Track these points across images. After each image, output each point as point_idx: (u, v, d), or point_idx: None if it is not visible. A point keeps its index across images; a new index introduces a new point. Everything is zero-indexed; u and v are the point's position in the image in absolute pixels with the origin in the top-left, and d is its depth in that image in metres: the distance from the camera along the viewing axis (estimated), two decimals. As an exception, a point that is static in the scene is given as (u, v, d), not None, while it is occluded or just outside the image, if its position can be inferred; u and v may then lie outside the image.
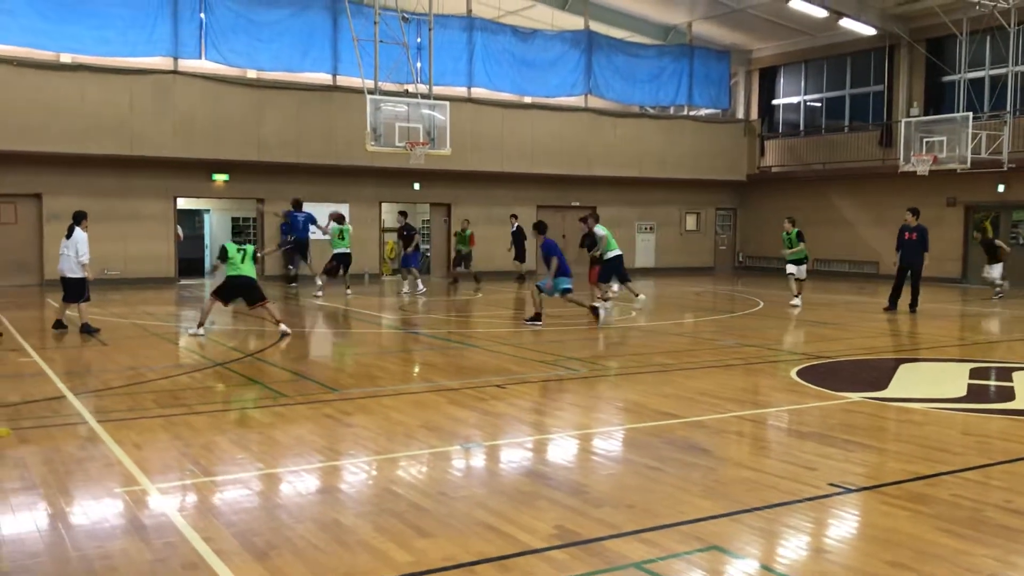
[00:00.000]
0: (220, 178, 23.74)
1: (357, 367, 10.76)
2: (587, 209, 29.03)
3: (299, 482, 5.86)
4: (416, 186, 26.09)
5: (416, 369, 10.72)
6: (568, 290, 14.44)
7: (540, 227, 15.15)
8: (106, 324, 14.07)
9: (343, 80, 24.03)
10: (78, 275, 12.97)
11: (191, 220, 26.47)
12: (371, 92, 20.80)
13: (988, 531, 4.83)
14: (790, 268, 18.44)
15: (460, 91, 25.80)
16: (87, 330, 12.80)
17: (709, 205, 31.53)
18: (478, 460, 6.50)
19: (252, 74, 23.79)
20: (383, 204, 26.45)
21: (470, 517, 5.07)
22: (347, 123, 22.96)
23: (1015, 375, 9.94)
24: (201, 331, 12.90)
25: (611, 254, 16.97)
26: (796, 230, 18.28)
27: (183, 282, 23.83)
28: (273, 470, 6.04)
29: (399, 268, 21.18)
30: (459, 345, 12.46)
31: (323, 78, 24.26)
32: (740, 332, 14.04)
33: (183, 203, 24.63)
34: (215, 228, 27.65)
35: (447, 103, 21.80)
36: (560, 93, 27.87)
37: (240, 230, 27.42)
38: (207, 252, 27.29)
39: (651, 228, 30.54)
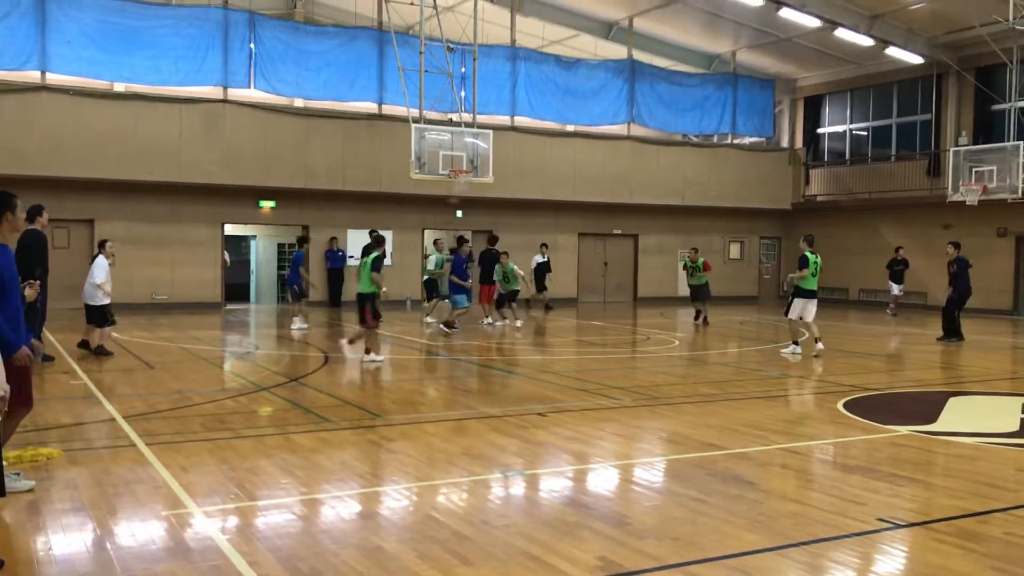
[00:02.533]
0: (267, 205, 24.12)
1: (400, 393, 10.81)
2: (629, 237, 29.10)
3: (342, 507, 5.89)
4: (459, 213, 26.25)
5: (458, 396, 10.73)
6: (462, 307, 17.16)
7: (460, 241, 18.43)
8: (154, 348, 14.31)
9: (388, 109, 24.36)
10: (97, 301, 13.18)
11: (237, 246, 26.87)
12: (416, 121, 21.04)
13: (1044, 571, 4.70)
14: (803, 308, 14.76)
15: (503, 119, 26.00)
16: (100, 352, 13.03)
17: (753, 234, 31.30)
18: (520, 489, 6.48)
19: (299, 103, 24.21)
20: (426, 231, 26.66)
21: (512, 546, 5.05)
22: (392, 151, 23.22)
23: (1070, 410, 9.69)
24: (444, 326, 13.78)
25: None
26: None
27: (229, 307, 24.17)
28: (317, 495, 6.08)
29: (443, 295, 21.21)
30: (500, 372, 12.46)
31: (369, 107, 24.61)
32: (785, 363, 13.87)
33: (230, 229, 25.04)
34: (261, 254, 28.02)
35: (490, 131, 21.97)
36: (603, 121, 27.94)
37: (287, 257, 27.73)
38: (253, 277, 27.66)
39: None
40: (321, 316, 21.82)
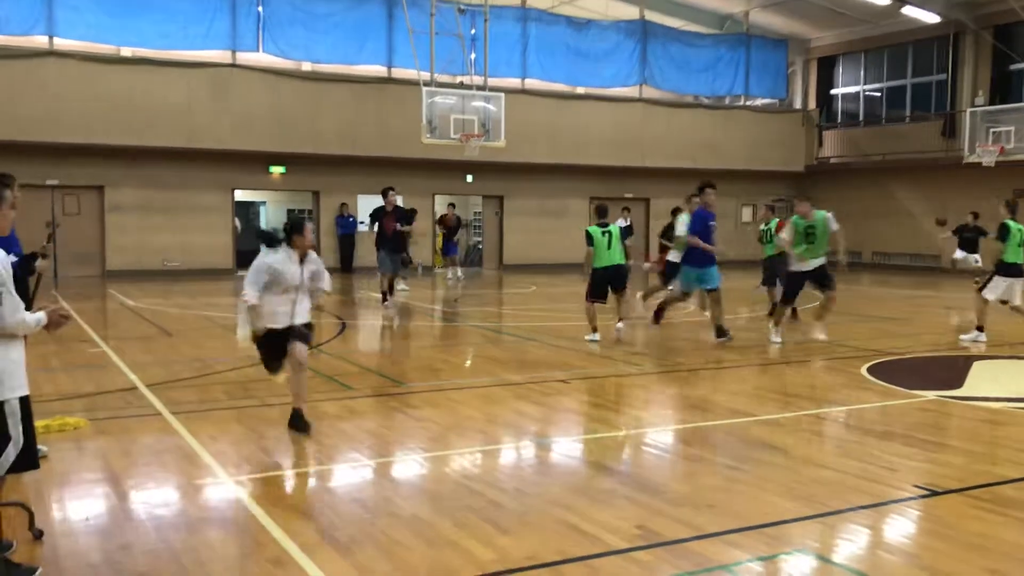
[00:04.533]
0: (277, 170, 23.98)
1: (420, 360, 10.77)
2: (640, 201, 28.90)
3: (373, 476, 5.87)
4: (469, 178, 26.08)
5: (479, 363, 10.69)
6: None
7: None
8: (170, 315, 14.29)
9: (398, 72, 24.10)
10: None
11: (244, 212, 26.72)
12: (426, 84, 20.83)
13: (1089, 539, 4.66)
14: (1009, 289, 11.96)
15: (514, 82, 25.71)
16: None
17: (766, 196, 30.99)
18: (551, 456, 6.45)
19: (307, 67, 23.97)
20: (436, 196, 26.52)
21: (548, 515, 5.02)
22: (402, 115, 22.99)
23: (1096, 374, 9.62)
24: (597, 336, 11.64)
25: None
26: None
27: (241, 273, 24.10)
28: (346, 464, 6.06)
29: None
30: (517, 339, 12.41)
31: (378, 70, 24.35)
32: (804, 327, 13.79)
33: (240, 195, 24.93)
34: (271, 219, 27.90)
35: (502, 95, 21.74)
36: (615, 84, 27.63)
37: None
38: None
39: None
40: (332, 282, 21.74)
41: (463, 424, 7.22)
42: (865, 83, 29.81)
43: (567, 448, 6.66)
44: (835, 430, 7.40)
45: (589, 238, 11.54)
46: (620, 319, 11.80)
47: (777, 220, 16.35)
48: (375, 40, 24.12)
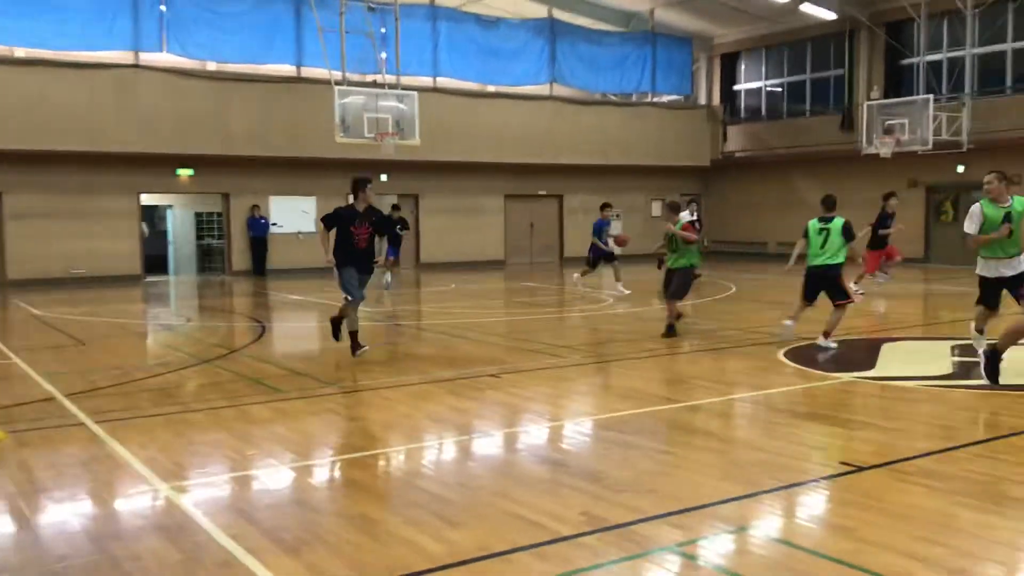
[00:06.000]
0: (185, 173, 23.39)
1: (347, 360, 10.67)
2: (554, 197, 29.19)
3: (315, 477, 5.83)
4: (384, 177, 25.90)
5: (409, 361, 10.67)
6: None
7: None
8: (80, 324, 13.82)
9: (308, 72, 23.77)
10: None
11: (149, 216, 25.96)
12: (338, 83, 20.63)
13: (1006, 504, 4.95)
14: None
15: (426, 81, 25.66)
16: None
17: (674, 191, 31.65)
18: (491, 450, 6.51)
19: (213, 66, 23.44)
20: (350, 196, 26.25)
21: (495, 506, 5.07)
22: (313, 115, 22.70)
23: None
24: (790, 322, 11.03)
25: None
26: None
27: (149, 279, 23.46)
28: (286, 465, 5.99)
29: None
30: (444, 336, 12.42)
31: (288, 70, 23.98)
32: (719, 316, 14.19)
33: (147, 199, 24.23)
34: (178, 224, 27.19)
35: (415, 93, 21.68)
36: (525, 82, 27.84)
37: (205, 226, 26.99)
38: (171, 248, 26.84)
39: (618, 215, 30.64)
40: (245, 286, 21.38)
41: (400, 422, 7.22)
42: (767, 79, 30.73)
43: (506, 441, 6.72)
44: (760, 413, 7.65)
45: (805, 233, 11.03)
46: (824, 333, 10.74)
47: (684, 220, 16.83)
48: (283, 39, 23.73)
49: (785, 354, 10.12)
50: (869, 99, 25.97)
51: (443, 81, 26.23)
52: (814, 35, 28.35)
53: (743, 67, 31.43)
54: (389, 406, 7.75)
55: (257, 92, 23.19)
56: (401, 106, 21.27)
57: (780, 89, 30.44)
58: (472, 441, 6.66)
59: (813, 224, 11.04)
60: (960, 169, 24.57)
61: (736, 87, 31.55)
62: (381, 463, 6.10)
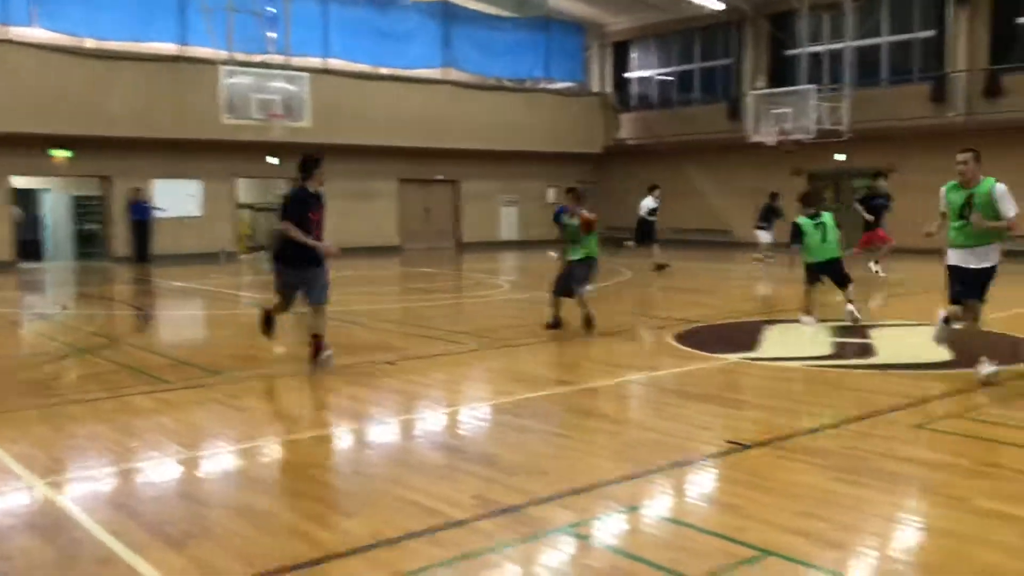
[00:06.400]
0: (60, 154, 22.29)
1: (236, 349, 10.39)
2: (450, 183, 29.07)
3: (201, 469, 5.64)
4: (273, 160, 25.29)
5: (302, 349, 10.45)
6: None
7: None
8: (-54, 313, 13.05)
9: (193, 51, 22.95)
10: None
11: (22, 200, 24.65)
12: (224, 63, 20.01)
13: (879, 477, 5.17)
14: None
15: (317, 62, 25.15)
16: None
17: (569, 177, 31.93)
18: (385, 437, 6.44)
19: (91, 43, 22.37)
20: (238, 179, 25.59)
21: (388, 493, 5.02)
22: (199, 95, 21.92)
23: (871, 332, 10.64)
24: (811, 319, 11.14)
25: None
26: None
27: (23, 265, 22.32)
28: (170, 457, 5.78)
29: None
30: (338, 323, 12.21)
31: (171, 48, 23.11)
32: (615, 300, 14.40)
33: (21, 182, 23.02)
34: (54, 208, 25.93)
35: (305, 74, 21.24)
36: (419, 65, 27.62)
37: (83, 211, 25.80)
38: (47, 233, 25.59)
39: (514, 201, 30.81)
40: (127, 273, 20.57)
41: (291, 410, 7.07)
42: (657, 68, 31.30)
43: (401, 428, 6.66)
44: (651, 394, 7.80)
45: (797, 232, 11.24)
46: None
47: (648, 207, 18.02)
48: (164, 16, 22.86)
49: (676, 337, 10.34)
50: (755, 89, 26.74)
51: (335, 63, 25.77)
52: (703, 25, 29.00)
53: (634, 55, 31.92)
54: (280, 395, 7.58)
55: (139, 71, 22.27)
56: (291, 87, 20.80)
57: (670, 78, 31.05)
58: (366, 429, 6.57)
59: (806, 222, 11.18)
60: (840, 157, 25.58)
61: (628, 75, 32.03)
62: (271, 453, 5.95)
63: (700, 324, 11.48)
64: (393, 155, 27.20)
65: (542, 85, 30.83)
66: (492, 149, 28.79)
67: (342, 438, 6.38)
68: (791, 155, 25.58)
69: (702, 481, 5.32)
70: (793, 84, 25.45)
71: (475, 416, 7.01)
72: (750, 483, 5.18)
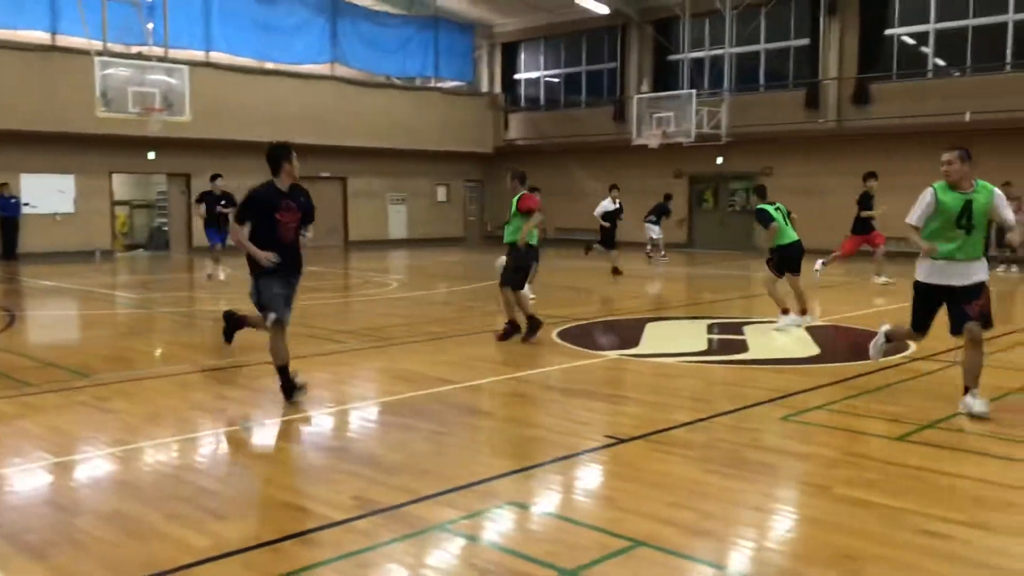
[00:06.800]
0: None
1: (108, 350, 10.01)
2: (338, 180, 28.69)
3: (67, 475, 5.42)
4: (151, 155, 24.44)
5: (176, 350, 10.14)
6: None
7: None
8: None
9: (66, 40, 21.97)
10: None
11: None
12: (99, 54, 19.23)
13: (747, 468, 5.39)
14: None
15: (198, 55, 24.43)
16: None
17: (458, 177, 32.09)
18: (263, 438, 6.32)
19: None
20: (114, 174, 24.62)
21: (264, 496, 4.94)
22: (72, 87, 21.03)
23: (745, 329, 11.04)
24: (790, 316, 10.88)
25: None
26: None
27: None
28: (34, 464, 5.53)
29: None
30: (216, 323, 11.90)
31: (42, 37, 22.06)
32: (500, 299, 14.48)
33: None
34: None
35: (185, 67, 20.60)
36: (305, 60, 27.18)
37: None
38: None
39: (402, 200, 30.63)
40: (-4, 271, 19.54)
41: (163, 413, 6.85)
42: (545, 69, 31.66)
43: (279, 429, 6.55)
44: (533, 391, 7.90)
45: (765, 216, 10.82)
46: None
47: (605, 208, 17.72)
48: (35, 3, 21.84)
49: (559, 334, 10.49)
50: (639, 92, 27.36)
51: (217, 56, 25.08)
52: (589, 28, 29.49)
53: (523, 57, 32.21)
54: (151, 397, 7.33)
55: (8, 61, 21.17)
56: (170, 80, 20.16)
57: (558, 80, 31.45)
58: (242, 431, 6.44)
59: (768, 206, 10.85)
60: (719, 160, 26.44)
61: (517, 76, 32.30)
62: (141, 457, 5.76)
63: (585, 322, 11.68)
64: (278, 151, 26.59)
65: (431, 84, 30.77)
66: (380, 147, 28.58)
67: (217, 440, 6.23)
68: (673, 158, 26.30)
69: (580, 475, 5.42)
70: (676, 88, 26.18)
71: (357, 416, 6.95)
72: (626, 476, 5.32)
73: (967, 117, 21.58)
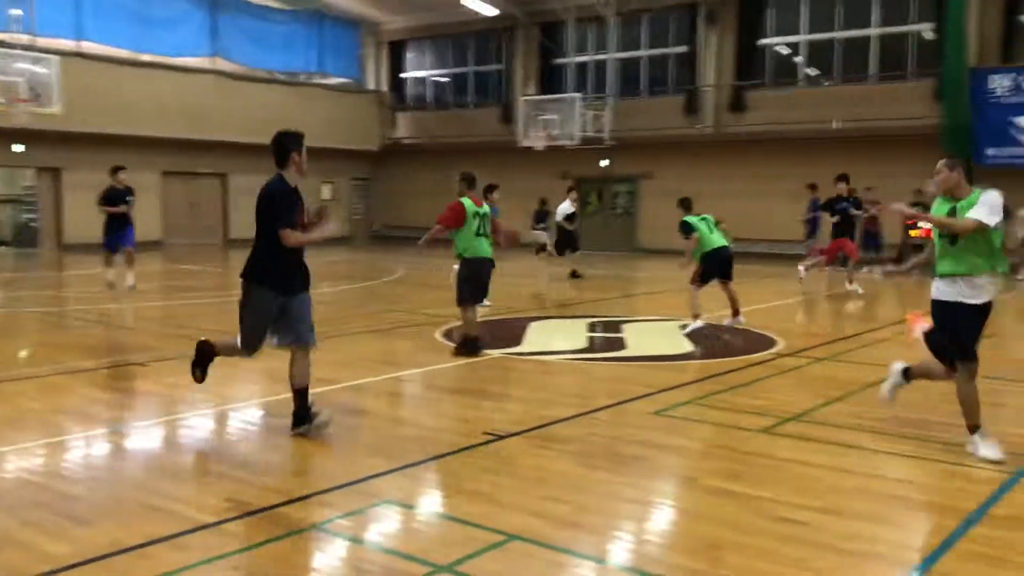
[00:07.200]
0: None
1: (-36, 352, 9.50)
2: (217, 176, 27.94)
3: (-86, 483, 5.13)
4: (18, 147, 23.24)
5: (40, 351, 9.70)
6: None
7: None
8: None
9: (-80, 23, 20.67)
10: None
11: None
12: (-41, 39, 18.20)
13: (621, 462, 5.54)
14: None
15: (69, 44, 23.35)
16: None
17: (344, 175, 31.69)
18: (130, 442, 6.12)
19: None
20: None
21: (131, 500, 4.79)
22: (-73, 74, 19.79)
23: (623, 327, 11.32)
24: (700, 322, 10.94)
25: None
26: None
27: None
28: None
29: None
30: (85, 323, 11.45)
31: None
32: (385, 298, 14.44)
33: None
34: None
35: (55, 57, 19.69)
36: (184, 53, 26.33)
37: None
38: None
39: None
40: None
41: (23, 417, 6.55)
42: (432, 69, 31.61)
43: (148, 432, 6.35)
44: (414, 390, 7.91)
45: (687, 228, 11.10)
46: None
47: (565, 212, 17.46)
48: None
49: (443, 334, 10.52)
50: (525, 94, 27.62)
51: (89, 46, 24.04)
52: (477, 29, 29.57)
53: (410, 55, 32.07)
54: (11, 400, 7.00)
55: None
56: (37, 69, 19.23)
57: (445, 79, 31.44)
58: (110, 434, 6.21)
59: (691, 218, 11.14)
60: (603, 163, 26.94)
61: (403, 75, 32.12)
62: (1, 463, 5.50)
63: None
64: (156, 146, 25.71)
65: (316, 80, 30.30)
66: (263, 143, 27.66)
67: (84, 444, 6.00)
68: (559, 160, 26.66)
69: (457, 472, 5.46)
70: (561, 91, 26.53)
71: (235, 418, 6.82)
72: (502, 471, 5.39)
73: (835, 125, 22.64)
